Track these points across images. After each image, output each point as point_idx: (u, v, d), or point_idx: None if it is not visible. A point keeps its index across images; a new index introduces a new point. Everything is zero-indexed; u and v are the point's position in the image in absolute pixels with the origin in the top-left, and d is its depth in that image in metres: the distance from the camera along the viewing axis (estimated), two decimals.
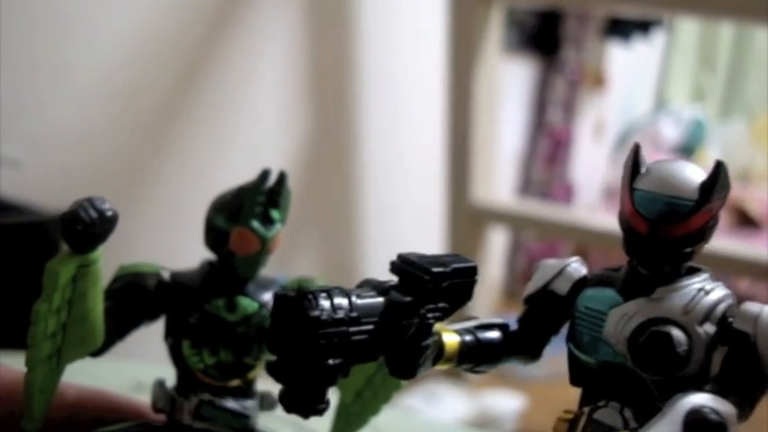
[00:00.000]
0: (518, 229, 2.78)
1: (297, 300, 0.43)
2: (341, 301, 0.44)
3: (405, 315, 0.46)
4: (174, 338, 0.56)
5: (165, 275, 0.56)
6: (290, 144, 2.16)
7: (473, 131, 2.21)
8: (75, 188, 1.69)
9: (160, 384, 0.56)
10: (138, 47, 1.80)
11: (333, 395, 0.56)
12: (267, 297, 0.55)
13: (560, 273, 0.52)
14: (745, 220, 2.90)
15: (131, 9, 1.78)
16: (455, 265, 0.47)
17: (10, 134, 1.59)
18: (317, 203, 2.25)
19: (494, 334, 0.51)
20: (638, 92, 3.41)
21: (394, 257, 0.47)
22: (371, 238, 2.40)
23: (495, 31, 2.19)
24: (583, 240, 2.55)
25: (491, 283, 2.47)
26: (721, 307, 0.48)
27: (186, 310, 0.55)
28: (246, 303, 0.55)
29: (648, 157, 0.49)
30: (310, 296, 0.43)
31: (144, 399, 0.58)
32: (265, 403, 0.57)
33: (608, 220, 2.43)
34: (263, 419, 0.58)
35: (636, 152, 0.48)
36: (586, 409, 0.50)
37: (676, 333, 0.47)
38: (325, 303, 0.43)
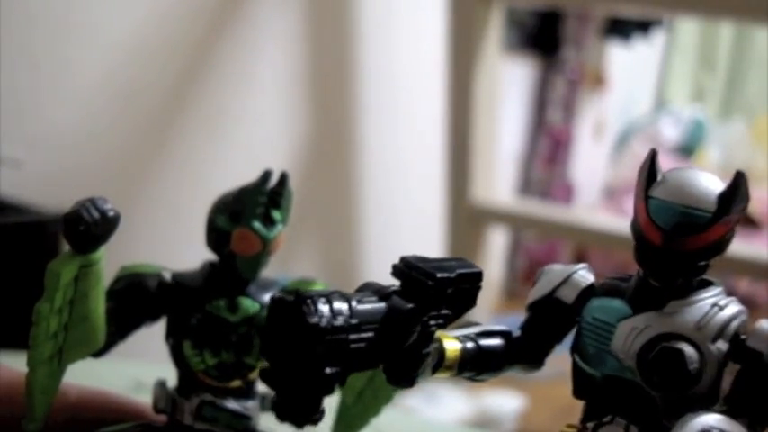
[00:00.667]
0: (518, 229, 2.78)
1: (295, 304, 0.41)
2: (340, 306, 0.42)
3: (406, 322, 0.44)
4: (175, 339, 0.56)
5: (167, 276, 0.56)
6: (290, 144, 2.16)
7: (473, 131, 2.21)
8: (75, 188, 1.69)
9: (161, 385, 0.56)
10: (138, 47, 1.80)
11: (332, 398, 0.57)
12: (268, 298, 0.55)
13: (566, 280, 0.50)
14: (746, 220, 2.90)
15: (131, 9, 1.78)
16: (460, 271, 0.45)
17: (10, 134, 1.59)
18: (317, 203, 2.25)
19: (496, 341, 0.49)
20: (638, 92, 3.41)
21: (394, 257, 0.46)
22: (371, 237, 2.40)
23: (495, 30, 2.19)
24: (583, 240, 2.55)
25: (491, 284, 2.47)
26: (734, 324, 0.46)
27: (187, 310, 0.55)
28: (248, 304, 0.55)
29: None
30: (309, 301, 0.41)
31: (145, 399, 0.58)
32: (266, 404, 0.57)
33: (608, 220, 2.43)
34: (264, 419, 0.58)
35: (652, 158, 0.46)
36: (590, 425, 0.48)
37: (688, 350, 0.45)
38: (325, 309, 0.41)
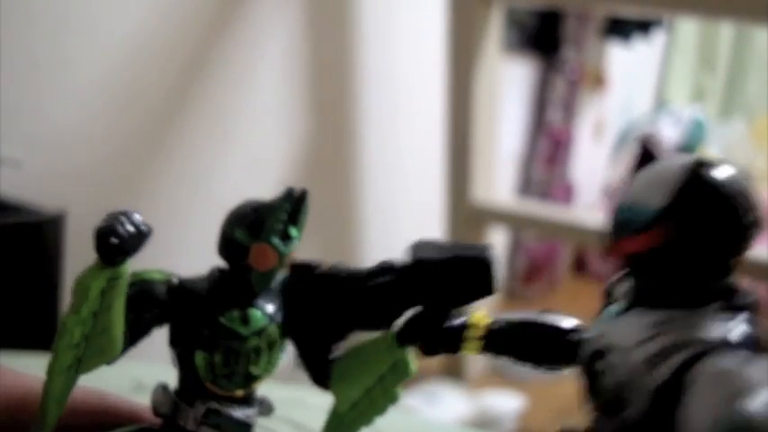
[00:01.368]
0: (518, 229, 2.78)
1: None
2: None
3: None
4: (184, 348, 0.55)
5: (176, 282, 0.56)
6: (289, 144, 2.16)
7: (473, 131, 2.21)
8: (75, 188, 1.69)
9: (163, 389, 0.56)
10: (138, 47, 1.80)
11: (330, 399, 0.56)
12: (271, 308, 0.55)
13: None
14: None
15: (131, 9, 1.78)
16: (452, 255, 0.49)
17: (10, 134, 1.59)
18: (317, 203, 2.23)
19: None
20: (638, 92, 3.41)
21: (394, 257, 0.47)
22: (371, 237, 2.40)
23: (495, 30, 2.19)
24: (583, 240, 2.55)
25: None
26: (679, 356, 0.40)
27: (197, 319, 0.55)
28: (258, 316, 0.55)
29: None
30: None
31: (144, 400, 0.58)
32: (262, 409, 0.57)
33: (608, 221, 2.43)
34: (264, 419, 0.58)
35: (643, 156, 0.46)
36: None
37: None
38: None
